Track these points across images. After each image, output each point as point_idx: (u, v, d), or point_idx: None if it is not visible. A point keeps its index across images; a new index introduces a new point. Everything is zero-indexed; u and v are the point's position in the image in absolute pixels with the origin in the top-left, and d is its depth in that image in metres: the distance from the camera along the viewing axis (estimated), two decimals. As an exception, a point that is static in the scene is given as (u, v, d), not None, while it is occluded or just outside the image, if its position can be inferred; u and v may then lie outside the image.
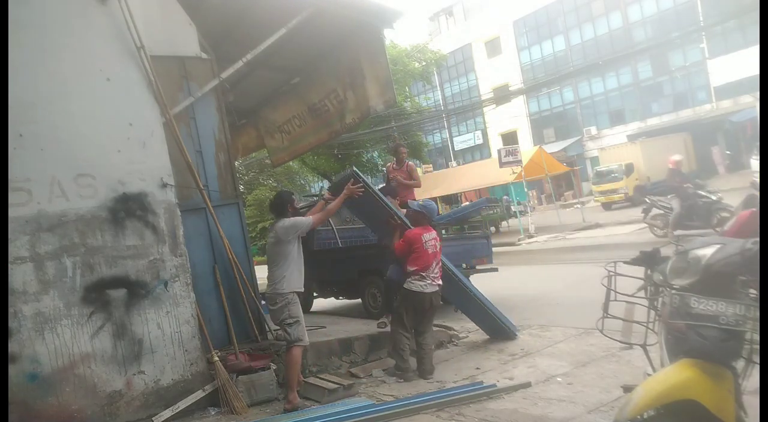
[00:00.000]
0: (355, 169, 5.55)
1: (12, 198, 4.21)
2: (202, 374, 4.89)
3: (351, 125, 7.71)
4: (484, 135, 39.94)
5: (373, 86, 6.69)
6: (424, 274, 5.27)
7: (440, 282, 5.41)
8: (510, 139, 35.60)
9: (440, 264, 5.48)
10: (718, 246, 2.37)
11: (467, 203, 23.82)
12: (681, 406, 2.19)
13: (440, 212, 27.53)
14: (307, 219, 5.04)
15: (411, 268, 5.27)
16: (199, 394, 4.81)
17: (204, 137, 5.72)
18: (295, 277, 4.87)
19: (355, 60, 6.86)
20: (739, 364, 2.36)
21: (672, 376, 2.29)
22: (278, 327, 5.13)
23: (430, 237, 5.36)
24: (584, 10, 33.81)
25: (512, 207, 23.13)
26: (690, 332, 2.30)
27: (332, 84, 7.49)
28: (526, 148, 25.93)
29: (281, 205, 5.10)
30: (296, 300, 4.85)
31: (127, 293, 4.62)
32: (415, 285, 5.25)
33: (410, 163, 8.28)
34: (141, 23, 4.88)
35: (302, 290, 4.98)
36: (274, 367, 5.11)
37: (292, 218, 5.01)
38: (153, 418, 4.54)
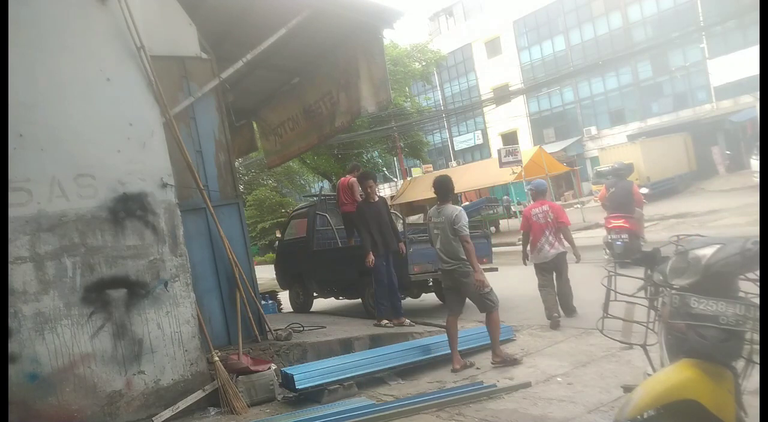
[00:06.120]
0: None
1: (12, 198, 4.21)
2: (202, 374, 4.89)
3: (340, 128, 7.76)
4: (484, 135, 39.94)
5: (366, 87, 6.69)
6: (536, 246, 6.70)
7: (558, 247, 6.67)
8: (510, 139, 35.59)
9: (555, 230, 6.66)
10: (719, 246, 2.37)
11: (467, 203, 23.82)
12: (681, 406, 2.19)
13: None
14: (466, 229, 5.27)
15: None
16: (199, 394, 4.81)
17: (204, 137, 5.72)
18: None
19: (352, 60, 6.86)
20: (739, 364, 2.36)
21: (672, 376, 2.29)
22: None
23: (539, 211, 6.78)
24: (584, 10, 33.80)
25: (512, 207, 23.12)
26: (690, 332, 2.30)
27: (328, 85, 7.51)
28: (526, 148, 25.92)
29: (448, 190, 5.47)
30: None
31: (127, 293, 4.62)
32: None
33: (350, 180, 8.31)
34: (141, 23, 4.88)
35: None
36: (274, 367, 5.12)
37: (461, 211, 5.33)
38: (153, 418, 4.54)
